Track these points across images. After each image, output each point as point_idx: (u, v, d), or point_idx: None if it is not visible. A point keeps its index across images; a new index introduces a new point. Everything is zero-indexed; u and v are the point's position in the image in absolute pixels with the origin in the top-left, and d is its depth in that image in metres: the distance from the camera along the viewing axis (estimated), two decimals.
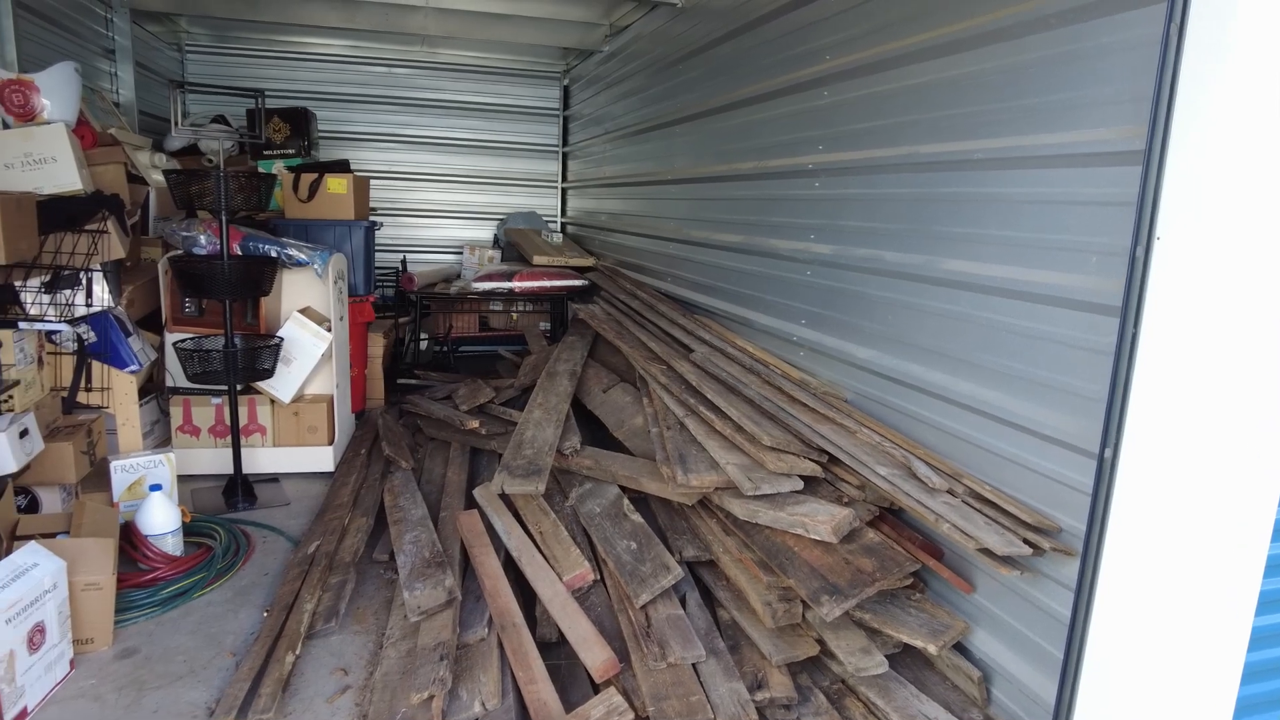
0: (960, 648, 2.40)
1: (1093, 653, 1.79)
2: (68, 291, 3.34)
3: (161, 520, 3.01)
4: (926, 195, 2.59)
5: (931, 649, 2.24)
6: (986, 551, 2.04)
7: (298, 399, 4.06)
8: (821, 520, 2.38)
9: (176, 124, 3.58)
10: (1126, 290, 1.67)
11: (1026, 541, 2.04)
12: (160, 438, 4.04)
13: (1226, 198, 1.49)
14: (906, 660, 2.42)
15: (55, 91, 3.52)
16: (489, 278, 6.00)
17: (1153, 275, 1.62)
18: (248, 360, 3.69)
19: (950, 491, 2.31)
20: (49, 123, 3.45)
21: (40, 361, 3.25)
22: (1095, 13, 1.97)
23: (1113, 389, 1.72)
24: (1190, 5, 1.51)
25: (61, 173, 3.39)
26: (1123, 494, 1.71)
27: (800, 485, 2.60)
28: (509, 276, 5.99)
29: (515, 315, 6.83)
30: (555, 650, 2.51)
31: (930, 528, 2.27)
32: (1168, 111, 1.57)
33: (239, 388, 3.75)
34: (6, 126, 3.46)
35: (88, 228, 3.40)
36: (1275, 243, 1.55)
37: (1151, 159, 1.60)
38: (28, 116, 3.46)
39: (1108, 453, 1.74)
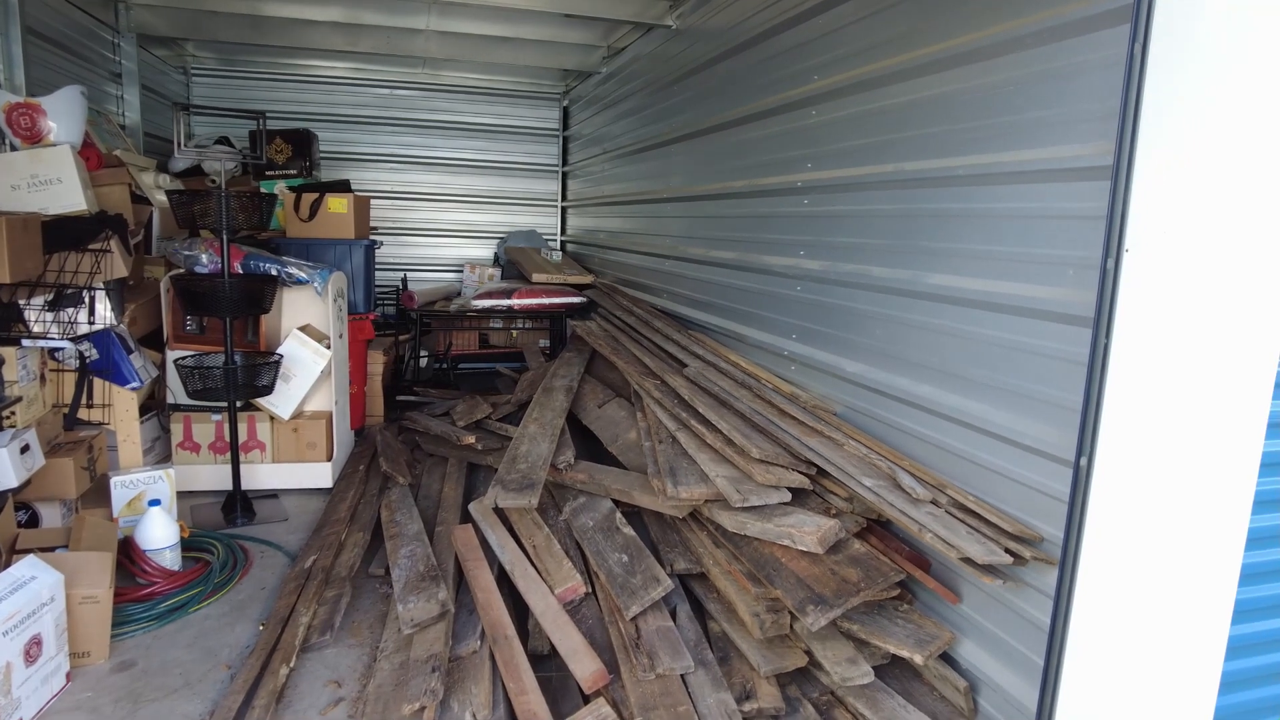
0: (948, 658, 2.42)
1: (1072, 661, 1.81)
2: (71, 309, 3.40)
3: (160, 535, 3.05)
4: (911, 211, 2.64)
5: (918, 659, 2.25)
6: (969, 561, 2.07)
7: (297, 415, 4.11)
8: (808, 531, 2.40)
9: (180, 146, 3.66)
10: (1098, 301, 1.71)
11: (1009, 551, 2.07)
12: (161, 454, 4.08)
13: (1190, 210, 1.54)
14: (895, 671, 2.43)
15: (62, 114, 3.60)
16: (489, 295, 6.06)
17: (1123, 286, 1.66)
18: (247, 377, 3.74)
19: (934, 502, 2.33)
20: (55, 145, 3.53)
21: (43, 378, 3.30)
22: (1068, 33, 2.03)
23: (1086, 398, 1.75)
24: (1152, 26, 1.56)
25: (67, 194, 3.46)
26: (1098, 502, 1.74)
27: (788, 497, 2.63)
28: (508, 294, 6.06)
29: (515, 333, 6.88)
30: (547, 662, 2.53)
31: (914, 538, 2.30)
32: (1134, 128, 1.61)
33: (239, 404, 3.80)
34: (14, 149, 3.54)
35: (91, 247, 3.47)
36: (1238, 253, 1.59)
37: (1119, 173, 1.64)
38: (35, 139, 3.54)
39: (1083, 461, 1.77)
